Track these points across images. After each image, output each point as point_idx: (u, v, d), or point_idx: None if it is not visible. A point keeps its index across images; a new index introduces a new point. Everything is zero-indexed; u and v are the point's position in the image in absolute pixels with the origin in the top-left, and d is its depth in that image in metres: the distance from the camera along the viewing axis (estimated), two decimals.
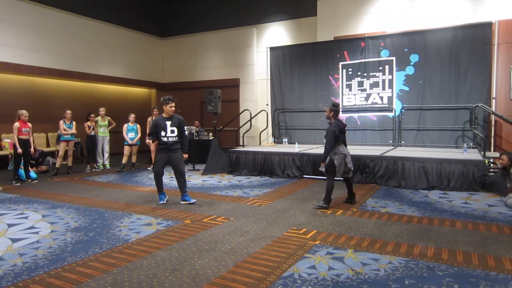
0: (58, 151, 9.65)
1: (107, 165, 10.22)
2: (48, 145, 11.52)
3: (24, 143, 7.96)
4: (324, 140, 5.66)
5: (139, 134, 9.93)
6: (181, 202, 6.01)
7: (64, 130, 9.10)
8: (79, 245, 4.04)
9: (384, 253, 3.72)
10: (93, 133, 9.72)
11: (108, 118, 10.19)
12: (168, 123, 5.86)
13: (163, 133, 5.83)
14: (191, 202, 5.98)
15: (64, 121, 9.14)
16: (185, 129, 6.12)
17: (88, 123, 9.70)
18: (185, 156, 6.07)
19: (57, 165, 9.21)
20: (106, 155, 10.21)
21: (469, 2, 9.43)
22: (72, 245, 4.05)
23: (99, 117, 9.98)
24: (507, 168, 5.76)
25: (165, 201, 6.04)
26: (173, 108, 5.91)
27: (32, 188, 7.44)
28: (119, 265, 3.49)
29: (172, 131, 5.87)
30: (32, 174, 8.35)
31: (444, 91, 9.30)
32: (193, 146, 10.02)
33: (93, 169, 9.89)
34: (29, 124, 8.13)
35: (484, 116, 8.87)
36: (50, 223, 4.94)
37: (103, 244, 4.06)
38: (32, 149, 8.28)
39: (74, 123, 9.30)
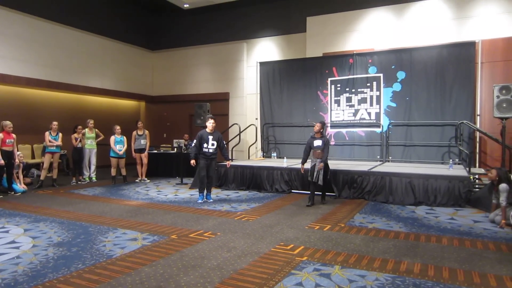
0: (43, 163, 9.48)
1: (94, 178, 10.07)
2: (33, 157, 11.32)
3: (8, 155, 7.82)
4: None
5: (125, 146, 9.82)
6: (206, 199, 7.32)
7: (49, 141, 8.97)
8: (61, 261, 3.94)
9: (371, 269, 3.71)
10: (80, 145, 9.61)
11: (96, 130, 10.09)
12: (210, 137, 7.09)
13: (205, 145, 7.08)
14: (209, 201, 7.25)
15: (50, 133, 9.02)
16: (224, 143, 7.42)
17: (75, 135, 9.58)
18: (229, 162, 7.56)
19: (42, 178, 9.04)
20: (93, 167, 10.06)
21: (454, 22, 9.69)
22: (54, 261, 3.94)
23: (86, 129, 9.86)
24: (495, 184, 5.78)
25: (202, 201, 7.17)
26: (214, 124, 7.12)
27: (15, 201, 7.27)
28: (102, 281, 3.41)
29: (213, 144, 7.12)
30: (16, 187, 8.15)
31: (430, 107, 9.45)
32: (181, 160, 9.95)
33: (79, 182, 9.73)
34: (13, 135, 8.00)
35: (469, 132, 9.03)
36: (32, 237, 4.81)
37: (86, 260, 3.97)
38: (17, 161, 8.12)
39: (60, 134, 9.17)
